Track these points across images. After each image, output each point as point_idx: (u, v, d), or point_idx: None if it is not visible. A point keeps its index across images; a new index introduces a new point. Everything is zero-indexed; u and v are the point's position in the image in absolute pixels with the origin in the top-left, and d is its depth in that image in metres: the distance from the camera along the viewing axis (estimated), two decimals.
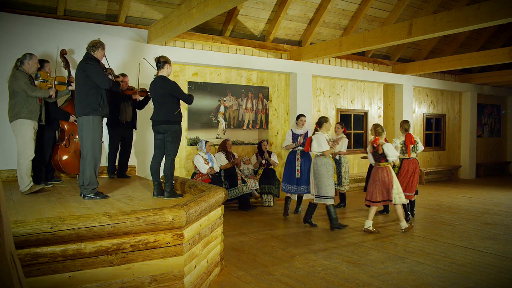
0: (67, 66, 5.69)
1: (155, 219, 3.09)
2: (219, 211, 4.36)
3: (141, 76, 6.81)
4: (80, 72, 4.43)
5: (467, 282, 3.96)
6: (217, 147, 7.97)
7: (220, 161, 7.50)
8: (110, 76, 4.90)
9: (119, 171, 6.30)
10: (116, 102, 6.00)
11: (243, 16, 8.03)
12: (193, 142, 7.91)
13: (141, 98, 6.51)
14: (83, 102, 4.38)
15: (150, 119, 4.66)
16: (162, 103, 4.54)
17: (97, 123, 4.41)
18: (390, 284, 3.91)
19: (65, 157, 5.58)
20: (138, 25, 7.03)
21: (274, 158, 8.13)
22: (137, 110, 6.50)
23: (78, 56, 6.15)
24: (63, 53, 5.74)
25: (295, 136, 6.97)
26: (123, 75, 6.29)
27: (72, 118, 5.54)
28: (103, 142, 4.76)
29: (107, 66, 5.10)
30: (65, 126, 5.63)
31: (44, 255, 2.69)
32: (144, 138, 6.98)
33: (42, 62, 5.36)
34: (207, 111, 8.09)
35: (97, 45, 4.55)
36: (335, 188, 6.62)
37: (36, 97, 4.78)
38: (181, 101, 4.70)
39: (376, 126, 6.02)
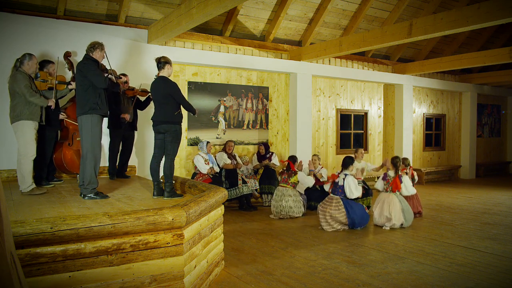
0: (71, 67, 5.71)
1: (155, 219, 3.08)
2: (219, 211, 4.36)
3: (142, 77, 6.81)
4: (78, 72, 4.45)
5: (467, 282, 3.96)
6: (217, 147, 7.98)
7: (223, 159, 7.50)
8: (110, 76, 4.90)
9: (119, 171, 6.30)
10: (117, 103, 6.00)
11: (243, 16, 8.03)
12: (193, 142, 7.91)
13: (142, 98, 6.51)
14: (81, 101, 4.40)
15: (151, 119, 4.67)
16: (162, 104, 4.54)
17: (96, 122, 4.41)
18: (390, 284, 3.91)
19: (69, 156, 5.59)
20: (138, 25, 7.03)
21: (274, 160, 8.10)
22: (137, 111, 6.50)
23: (77, 56, 6.15)
24: (67, 55, 5.78)
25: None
26: (124, 75, 6.28)
27: (61, 116, 5.48)
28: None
29: (108, 67, 5.11)
30: (69, 125, 5.64)
31: (44, 255, 2.69)
32: (144, 138, 6.98)
33: (46, 63, 5.36)
34: (207, 111, 8.09)
35: (95, 46, 4.56)
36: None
37: (34, 103, 4.74)
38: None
39: (404, 159, 6.91)
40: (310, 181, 7.21)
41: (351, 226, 6.05)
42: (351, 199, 6.15)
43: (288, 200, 6.91)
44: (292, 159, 7.26)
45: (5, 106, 5.42)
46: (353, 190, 6.08)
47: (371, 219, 6.49)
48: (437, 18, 6.28)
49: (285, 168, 7.21)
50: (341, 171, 6.29)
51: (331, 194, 6.23)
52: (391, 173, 6.45)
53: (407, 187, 6.45)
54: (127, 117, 6.14)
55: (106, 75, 4.68)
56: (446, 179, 12.53)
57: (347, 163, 6.27)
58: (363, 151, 7.82)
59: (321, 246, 5.20)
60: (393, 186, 6.31)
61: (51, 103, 4.96)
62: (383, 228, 6.17)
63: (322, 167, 7.83)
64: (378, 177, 7.14)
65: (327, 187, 6.47)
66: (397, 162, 6.48)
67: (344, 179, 6.13)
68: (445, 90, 12.38)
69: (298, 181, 7.13)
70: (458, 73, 12.57)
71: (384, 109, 11.03)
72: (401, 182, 6.38)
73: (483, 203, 8.39)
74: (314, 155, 7.90)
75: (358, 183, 6.73)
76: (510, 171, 14.62)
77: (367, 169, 7.62)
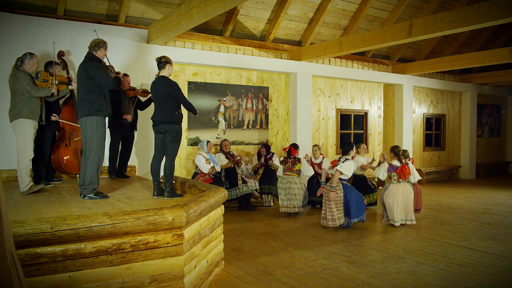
0: (65, 67, 5.70)
1: (155, 219, 3.08)
2: (219, 211, 4.36)
3: (142, 77, 6.81)
4: (82, 72, 4.41)
5: (467, 282, 3.96)
6: (218, 147, 7.98)
7: (220, 161, 7.50)
8: (116, 75, 4.91)
9: (119, 171, 6.30)
10: (118, 103, 6.01)
11: (243, 16, 8.04)
12: (193, 142, 7.91)
13: (143, 99, 6.52)
14: (86, 102, 4.36)
15: (151, 119, 4.66)
16: (162, 103, 4.54)
17: (101, 124, 4.41)
18: (390, 284, 3.91)
19: (67, 157, 5.58)
20: (138, 25, 7.03)
21: (276, 161, 8.09)
22: (138, 111, 6.51)
23: (77, 56, 6.14)
24: (61, 55, 5.74)
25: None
26: (125, 75, 6.29)
27: (53, 118, 5.37)
28: None
29: (107, 64, 5.11)
30: (66, 126, 5.63)
31: (44, 255, 2.69)
32: (144, 138, 6.98)
33: (51, 64, 5.36)
34: (207, 111, 8.09)
35: (99, 44, 4.54)
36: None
37: (40, 97, 4.79)
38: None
39: (404, 151, 6.64)
40: (310, 171, 7.24)
41: (346, 212, 6.01)
42: (351, 186, 6.13)
43: (294, 188, 6.93)
44: (294, 145, 7.25)
45: (5, 106, 5.42)
46: (345, 167, 6.01)
47: (371, 217, 6.49)
48: (437, 18, 6.28)
49: (286, 156, 7.19)
50: (342, 156, 6.29)
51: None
52: (396, 162, 6.38)
53: (414, 174, 6.47)
54: (129, 117, 6.17)
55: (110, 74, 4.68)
56: (446, 179, 12.53)
57: (347, 149, 6.29)
58: (365, 146, 7.81)
59: (321, 246, 5.20)
60: (400, 174, 6.27)
61: (54, 89, 5.00)
62: (404, 223, 6.20)
63: (324, 157, 7.79)
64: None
65: (329, 171, 6.48)
66: (398, 151, 6.45)
67: (343, 162, 6.13)
68: (445, 90, 12.38)
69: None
70: (458, 73, 12.57)
71: (384, 109, 11.03)
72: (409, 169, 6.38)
73: (483, 203, 8.39)
74: (315, 145, 7.88)
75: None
76: (510, 171, 14.62)
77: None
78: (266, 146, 8.20)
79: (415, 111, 11.69)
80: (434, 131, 12.44)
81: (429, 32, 6.40)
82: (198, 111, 4.92)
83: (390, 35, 7.04)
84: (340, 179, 6.11)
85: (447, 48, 11.44)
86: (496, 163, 14.15)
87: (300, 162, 7.05)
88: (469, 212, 7.39)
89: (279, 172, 7.24)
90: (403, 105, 10.73)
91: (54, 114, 5.44)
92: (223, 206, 4.51)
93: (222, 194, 4.31)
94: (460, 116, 13.10)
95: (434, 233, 5.85)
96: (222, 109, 8.26)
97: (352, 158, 6.34)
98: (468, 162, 12.86)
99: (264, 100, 8.81)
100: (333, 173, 6.15)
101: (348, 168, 6.06)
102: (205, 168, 7.09)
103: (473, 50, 11.57)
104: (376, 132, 10.88)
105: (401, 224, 6.23)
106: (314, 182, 7.74)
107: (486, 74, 12.43)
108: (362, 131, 10.66)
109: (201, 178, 7.06)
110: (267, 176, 7.89)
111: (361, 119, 10.65)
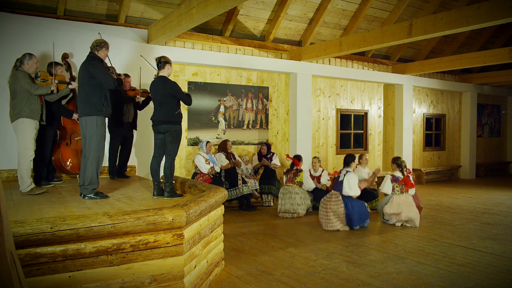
0: (68, 69, 5.72)
1: (155, 219, 3.08)
2: (219, 211, 4.36)
3: (143, 77, 6.81)
4: (84, 72, 4.41)
5: (467, 282, 3.96)
6: (217, 147, 7.97)
7: (220, 161, 7.50)
8: (118, 76, 4.91)
9: (119, 170, 6.30)
10: (119, 103, 6.01)
11: (243, 16, 8.04)
12: (193, 142, 7.91)
13: (142, 99, 6.53)
14: (87, 102, 4.36)
15: (151, 119, 4.66)
16: (162, 103, 4.54)
17: (101, 124, 4.40)
18: (390, 284, 3.91)
19: (67, 156, 5.57)
20: (138, 25, 7.03)
21: (275, 161, 8.09)
22: (137, 110, 6.52)
23: (77, 56, 6.15)
24: (65, 57, 5.77)
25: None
26: (126, 75, 6.30)
27: (75, 116, 5.53)
28: None
29: (109, 65, 5.11)
30: (67, 125, 5.63)
31: (44, 255, 2.69)
32: (144, 138, 6.97)
33: (55, 65, 5.37)
34: (207, 111, 8.09)
35: (101, 44, 4.53)
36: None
37: (40, 94, 4.80)
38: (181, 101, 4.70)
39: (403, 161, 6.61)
40: (310, 185, 7.28)
41: (348, 222, 6.01)
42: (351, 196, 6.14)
43: (295, 197, 6.95)
44: (297, 157, 7.27)
45: (5, 107, 5.42)
46: (352, 186, 6.05)
47: (371, 217, 6.49)
48: (437, 18, 6.28)
49: (289, 168, 7.22)
50: (343, 168, 6.29)
51: (332, 190, 6.25)
52: (399, 173, 6.42)
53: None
54: (140, 100, 6.32)
55: (112, 74, 4.69)
56: (446, 179, 12.53)
57: (348, 160, 6.29)
58: (367, 157, 7.81)
59: (321, 246, 5.20)
60: (406, 186, 6.32)
61: (53, 87, 5.00)
62: (401, 225, 6.24)
63: (323, 170, 7.75)
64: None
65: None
66: (401, 163, 6.49)
67: (345, 175, 6.13)
68: (445, 90, 12.38)
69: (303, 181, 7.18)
70: (458, 73, 12.57)
71: (384, 109, 11.02)
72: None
73: (483, 203, 8.39)
74: (314, 157, 7.87)
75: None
76: (510, 171, 14.61)
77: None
78: (267, 145, 8.23)
79: (415, 111, 11.69)
80: (434, 131, 12.44)
81: (429, 32, 6.40)
82: (191, 97, 4.85)
83: (390, 35, 7.04)
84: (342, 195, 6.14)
85: (447, 48, 11.44)
86: (496, 163, 14.15)
87: (301, 172, 7.12)
88: (469, 212, 7.39)
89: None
90: (403, 105, 10.73)
91: (75, 113, 5.52)
92: (223, 206, 4.51)
93: (222, 194, 4.31)
94: (460, 116, 13.10)
95: (434, 233, 5.85)
96: (222, 109, 8.26)
97: (353, 170, 6.33)
98: (468, 162, 12.86)
99: (264, 100, 8.81)
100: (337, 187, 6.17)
101: (354, 187, 6.05)
102: (205, 168, 7.10)
103: (473, 50, 11.57)
104: (376, 132, 10.88)
105: (401, 225, 6.25)
106: (318, 190, 7.63)
107: (486, 74, 12.43)
108: (362, 131, 10.66)
109: (201, 178, 7.06)
110: (267, 176, 7.88)
111: (361, 119, 10.65)
